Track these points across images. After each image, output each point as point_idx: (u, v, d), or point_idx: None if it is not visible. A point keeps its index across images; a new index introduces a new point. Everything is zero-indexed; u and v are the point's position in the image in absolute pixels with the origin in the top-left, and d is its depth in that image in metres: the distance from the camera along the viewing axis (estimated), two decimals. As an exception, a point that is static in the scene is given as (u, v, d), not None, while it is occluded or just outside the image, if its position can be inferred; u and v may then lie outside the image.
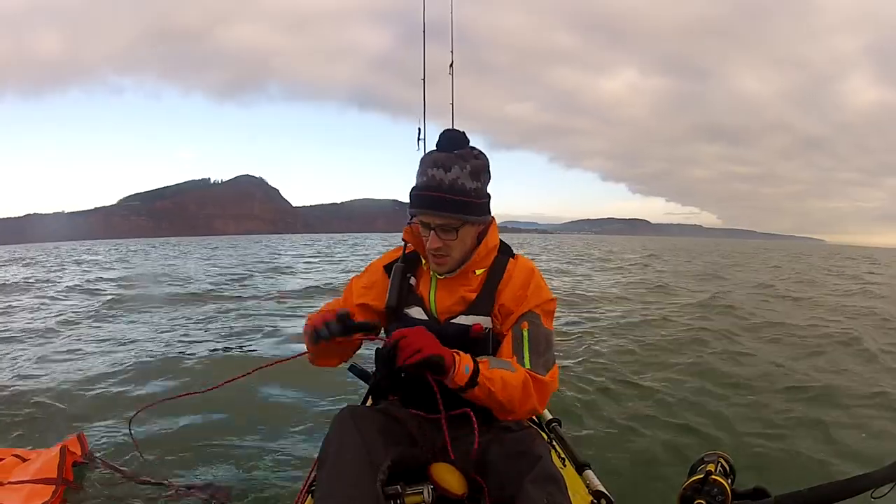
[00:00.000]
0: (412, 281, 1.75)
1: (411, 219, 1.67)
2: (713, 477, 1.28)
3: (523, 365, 1.55)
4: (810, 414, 4.44)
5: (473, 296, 1.67)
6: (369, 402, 2.07)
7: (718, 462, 1.34)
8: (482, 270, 1.69)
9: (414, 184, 1.62)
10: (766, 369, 5.93)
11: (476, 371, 1.46)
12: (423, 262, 1.75)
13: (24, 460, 3.31)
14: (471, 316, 1.65)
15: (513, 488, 1.39)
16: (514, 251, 1.77)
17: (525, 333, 1.61)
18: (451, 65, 3.64)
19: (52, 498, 2.99)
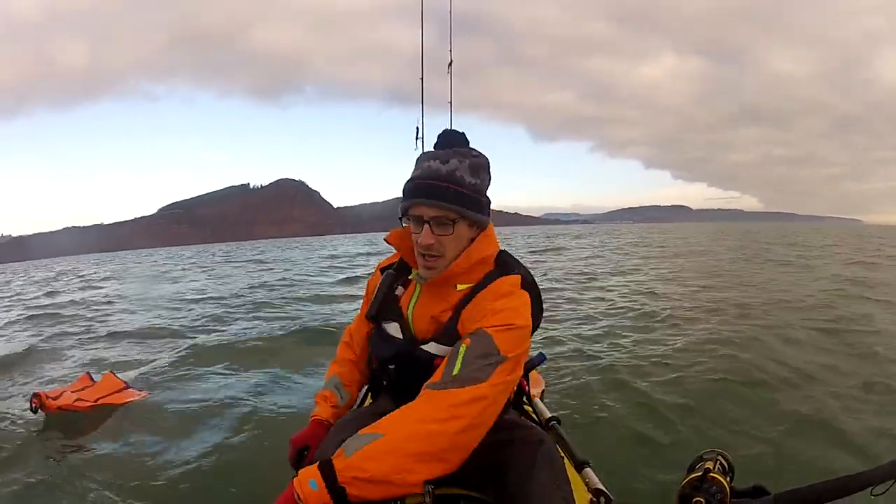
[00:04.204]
0: (399, 291, 1.67)
1: (403, 217, 1.56)
2: (712, 475, 1.23)
3: (450, 375, 1.32)
4: (812, 412, 4.37)
5: (447, 318, 1.53)
6: (368, 402, 2.04)
7: (717, 460, 1.29)
8: (465, 287, 1.53)
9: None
10: (770, 364, 5.81)
11: (329, 474, 1.21)
12: (413, 269, 1.66)
13: (78, 391, 4.87)
14: (443, 346, 1.49)
15: (520, 477, 1.37)
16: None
17: (463, 348, 1.37)
18: (450, 64, 3.57)
19: (142, 392, 5.17)
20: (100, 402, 4.78)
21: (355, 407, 2.00)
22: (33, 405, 4.44)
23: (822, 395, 4.79)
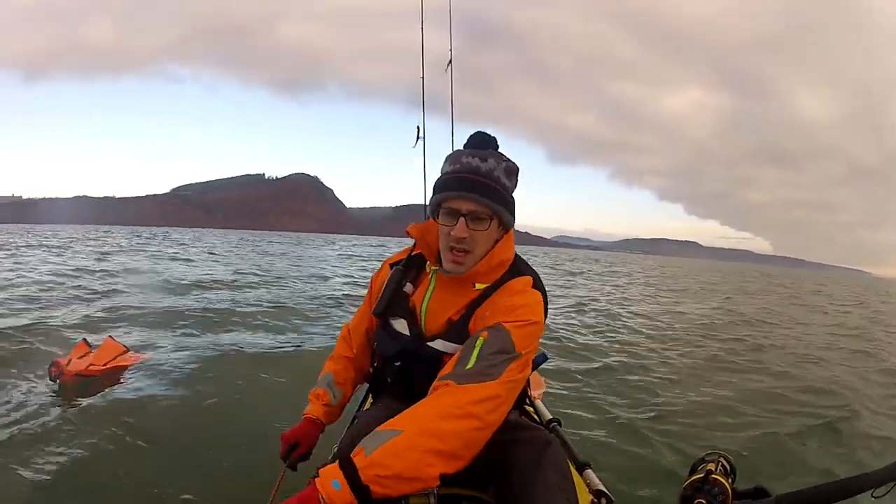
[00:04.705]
0: (407, 288, 1.68)
1: (436, 209, 1.55)
2: (713, 476, 1.24)
3: (465, 369, 1.34)
4: (812, 415, 4.50)
5: (459, 315, 1.57)
6: (369, 402, 2.09)
7: (719, 461, 1.30)
8: (482, 286, 1.56)
9: (439, 176, 1.56)
10: (768, 369, 6.10)
11: (352, 473, 1.18)
12: (427, 264, 1.68)
13: (82, 357, 4.95)
14: (451, 343, 1.52)
15: (525, 477, 1.38)
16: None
17: (480, 341, 1.39)
18: (450, 62, 3.60)
19: (142, 355, 5.60)
20: (109, 365, 4.99)
21: (356, 409, 2.05)
22: (52, 373, 4.59)
23: (826, 399, 4.98)
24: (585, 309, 12.01)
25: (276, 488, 1.68)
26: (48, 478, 3.19)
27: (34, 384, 4.73)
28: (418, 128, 3.33)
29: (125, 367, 5.16)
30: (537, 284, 1.58)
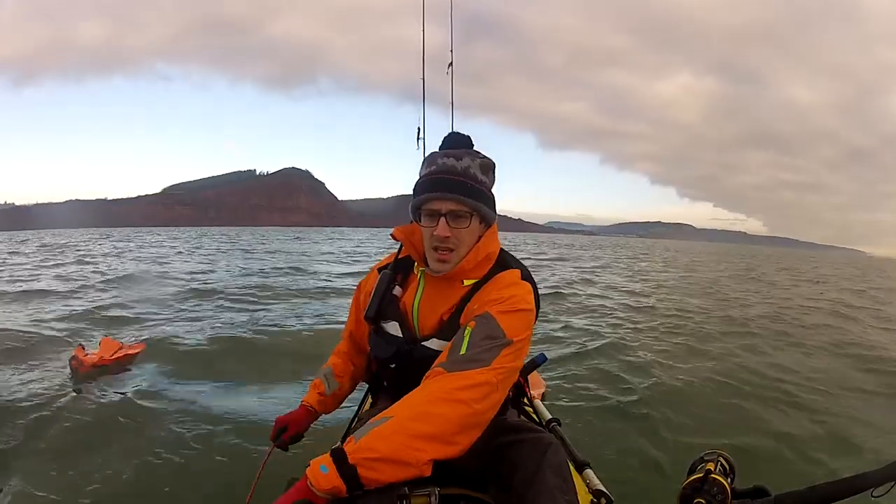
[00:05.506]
0: (396, 291, 1.70)
1: (417, 211, 1.57)
2: (713, 476, 1.24)
3: (456, 356, 1.35)
4: (812, 414, 4.50)
5: (450, 314, 1.58)
6: (368, 403, 2.12)
7: (718, 461, 1.30)
8: (471, 282, 1.59)
9: (417, 179, 1.58)
10: (768, 368, 6.05)
11: (341, 458, 1.18)
12: (415, 266, 1.69)
13: (87, 355, 5.51)
14: (444, 342, 1.51)
15: (526, 479, 1.38)
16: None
17: (468, 330, 1.41)
18: (451, 64, 3.58)
19: (140, 345, 6.23)
20: (116, 356, 5.71)
21: (356, 411, 2.09)
22: (73, 366, 5.29)
23: (825, 398, 5.00)
24: (630, 302, 12.37)
25: (262, 465, 1.73)
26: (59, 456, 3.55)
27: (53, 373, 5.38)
28: (419, 129, 3.32)
29: (132, 356, 5.84)
30: (526, 276, 1.59)
